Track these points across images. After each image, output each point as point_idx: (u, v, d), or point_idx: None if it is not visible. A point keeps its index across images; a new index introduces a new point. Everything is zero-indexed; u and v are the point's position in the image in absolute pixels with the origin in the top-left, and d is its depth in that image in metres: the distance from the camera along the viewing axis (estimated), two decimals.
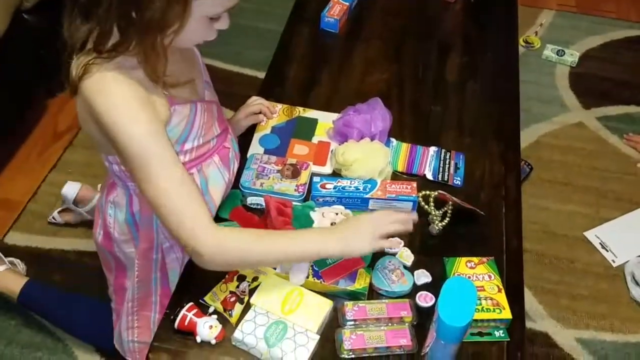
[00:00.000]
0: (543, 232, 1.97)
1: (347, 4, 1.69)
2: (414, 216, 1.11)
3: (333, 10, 1.66)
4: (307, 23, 1.71)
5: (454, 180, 1.31)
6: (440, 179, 1.31)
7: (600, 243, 1.93)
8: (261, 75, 1.56)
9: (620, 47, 2.66)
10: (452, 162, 1.34)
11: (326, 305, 1.06)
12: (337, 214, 1.17)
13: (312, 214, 1.16)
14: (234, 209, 1.22)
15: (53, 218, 1.92)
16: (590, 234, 1.96)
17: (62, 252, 1.88)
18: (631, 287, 1.81)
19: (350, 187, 1.24)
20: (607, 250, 1.91)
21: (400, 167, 1.32)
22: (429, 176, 1.32)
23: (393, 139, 1.37)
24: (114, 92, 0.95)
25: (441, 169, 1.33)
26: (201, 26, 0.96)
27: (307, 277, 1.09)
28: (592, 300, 1.81)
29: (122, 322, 1.35)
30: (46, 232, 1.93)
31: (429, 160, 1.34)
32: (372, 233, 1.04)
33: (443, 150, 1.36)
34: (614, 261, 1.89)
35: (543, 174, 2.15)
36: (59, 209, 1.92)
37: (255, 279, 1.09)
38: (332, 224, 1.14)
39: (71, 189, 1.86)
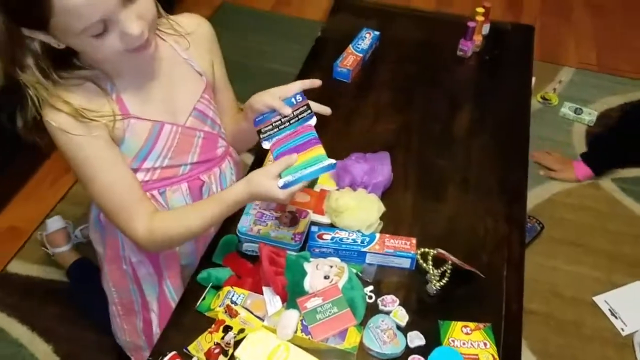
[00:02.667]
0: (550, 293, 1.92)
1: (361, 55, 1.69)
2: None
3: (346, 61, 1.67)
4: (320, 70, 1.72)
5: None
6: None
7: (609, 309, 1.87)
8: None
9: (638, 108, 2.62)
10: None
11: None
12: (331, 266, 1.14)
13: (306, 265, 1.14)
14: (229, 254, 1.21)
15: (75, 236, 1.92)
16: (599, 299, 1.90)
17: (61, 284, 1.88)
18: None
19: (347, 239, 1.22)
20: (617, 318, 1.85)
21: None
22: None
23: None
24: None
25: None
26: (95, 43, 0.94)
27: (295, 332, 1.06)
28: None
29: (113, 323, 1.44)
30: (48, 263, 1.93)
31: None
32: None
33: None
34: (622, 329, 1.82)
35: (554, 233, 2.10)
36: (81, 227, 1.92)
37: (241, 330, 1.07)
38: (325, 278, 1.12)
39: None
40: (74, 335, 1.75)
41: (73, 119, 1.02)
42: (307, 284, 1.11)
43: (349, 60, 1.67)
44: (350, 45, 1.71)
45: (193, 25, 1.18)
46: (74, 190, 2.13)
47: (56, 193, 2.13)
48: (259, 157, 1.42)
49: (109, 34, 0.94)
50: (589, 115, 2.54)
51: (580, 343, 1.80)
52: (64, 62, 1.01)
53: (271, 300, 1.10)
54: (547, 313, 1.86)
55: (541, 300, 1.89)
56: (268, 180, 1.05)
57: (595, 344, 1.80)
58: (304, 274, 1.12)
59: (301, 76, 1.71)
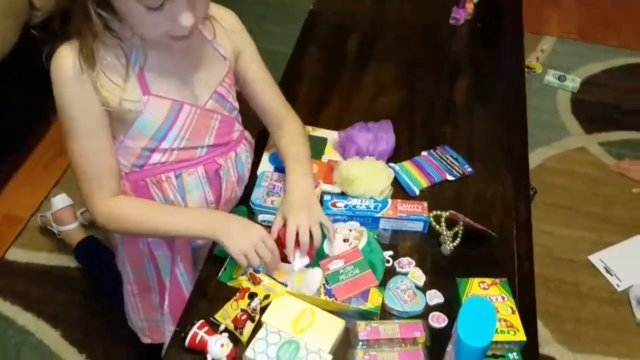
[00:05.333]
0: (548, 256, 1.97)
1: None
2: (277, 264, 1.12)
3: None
4: (316, 44, 1.72)
5: (467, 170, 1.37)
6: (458, 175, 1.36)
7: (604, 267, 1.93)
8: None
9: (621, 74, 2.69)
10: (449, 156, 1.39)
11: (338, 324, 1.05)
12: (350, 230, 1.16)
13: (326, 229, 1.16)
14: None
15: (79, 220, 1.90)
16: (594, 258, 1.96)
17: (66, 269, 1.87)
18: (636, 312, 1.81)
19: (361, 206, 1.23)
20: (612, 275, 1.91)
21: (424, 183, 1.33)
22: (450, 177, 1.35)
23: (393, 164, 1.36)
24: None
25: (449, 166, 1.37)
26: (145, 16, 0.95)
27: (319, 289, 1.09)
28: (597, 324, 1.80)
29: (127, 304, 1.43)
30: (49, 249, 1.92)
31: (436, 164, 1.37)
32: (247, 245, 1.07)
33: (433, 151, 1.41)
34: (618, 285, 1.88)
35: (547, 198, 2.15)
36: (82, 210, 1.90)
37: (266, 297, 1.08)
38: (344, 241, 1.14)
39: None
40: (82, 320, 1.75)
41: (80, 71, 1.00)
42: (327, 247, 1.13)
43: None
44: None
45: (220, 15, 1.17)
46: (68, 174, 2.10)
47: (50, 178, 2.11)
48: (262, 137, 1.43)
49: (162, 13, 0.94)
50: (573, 82, 2.59)
51: (579, 301, 1.85)
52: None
53: (298, 259, 1.11)
54: (545, 275, 1.91)
55: (539, 263, 1.90)
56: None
57: (593, 301, 1.86)
58: (323, 237, 1.14)
59: (298, 52, 1.71)
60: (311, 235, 1.12)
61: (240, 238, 1.08)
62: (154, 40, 1.02)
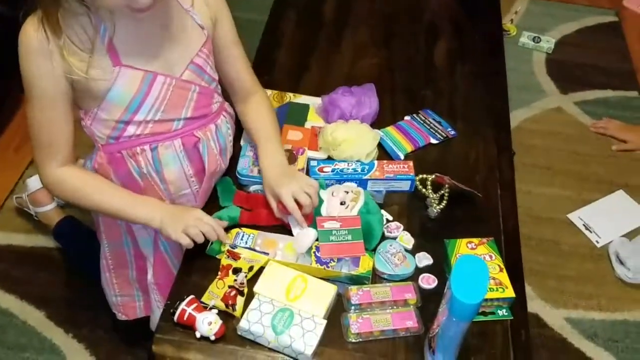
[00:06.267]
0: (528, 216, 1.99)
1: None
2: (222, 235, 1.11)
3: None
4: (293, 9, 1.69)
5: (450, 133, 1.38)
6: (441, 138, 1.36)
7: (583, 224, 1.96)
8: None
9: (594, 33, 2.70)
10: (432, 120, 1.39)
11: (331, 290, 1.06)
12: (347, 192, 1.16)
13: (322, 193, 1.16)
14: (236, 194, 1.21)
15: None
16: (573, 216, 1.99)
17: (47, 250, 1.83)
18: (616, 266, 1.85)
19: (348, 169, 1.23)
20: (591, 232, 1.94)
21: (409, 148, 1.33)
22: (434, 141, 1.35)
23: (377, 130, 1.35)
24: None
25: (432, 130, 1.38)
26: None
27: (311, 248, 1.10)
28: (579, 280, 1.84)
29: (103, 279, 1.42)
30: (28, 230, 1.88)
31: (419, 128, 1.37)
32: (183, 226, 1.09)
33: (416, 115, 1.41)
34: (597, 242, 1.92)
35: (525, 159, 2.16)
36: None
37: (250, 268, 1.08)
38: (341, 204, 1.13)
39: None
40: (66, 300, 1.72)
41: (45, 41, 0.99)
42: (324, 210, 1.14)
43: None
44: None
45: None
46: None
47: (23, 159, 2.05)
48: None
49: None
50: (547, 43, 2.60)
51: (560, 259, 1.89)
52: None
53: (299, 225, 1.12)
54: (526, 235, 1.93)
55: (520, 223, 1.95)
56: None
57: (574, 258, 1.89)
58: (320, 201, 1.15)
59: (273, 15, 1.68)
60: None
61: (178, 222, 1.09)
62: (117, 11, 1.00)
